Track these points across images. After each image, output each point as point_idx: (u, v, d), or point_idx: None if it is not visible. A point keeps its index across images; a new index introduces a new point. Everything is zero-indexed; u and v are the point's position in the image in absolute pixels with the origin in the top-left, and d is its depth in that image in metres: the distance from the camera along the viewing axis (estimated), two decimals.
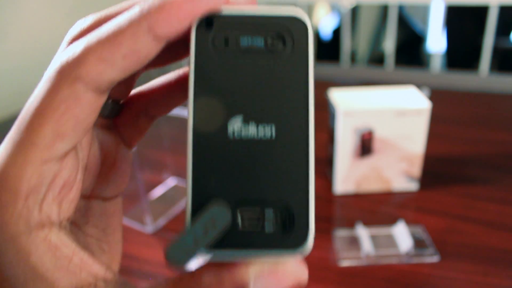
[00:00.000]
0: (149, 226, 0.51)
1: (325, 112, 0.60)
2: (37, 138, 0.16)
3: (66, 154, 0.17)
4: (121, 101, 0.22)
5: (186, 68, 0.20)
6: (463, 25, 1.67)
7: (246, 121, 0.18)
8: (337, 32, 1.99)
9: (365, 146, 0.54)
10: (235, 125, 0.18)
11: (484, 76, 0.99)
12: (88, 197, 0.21)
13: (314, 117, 0.18)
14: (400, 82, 0.94)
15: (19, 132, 0.16)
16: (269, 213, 0.17)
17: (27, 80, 0.95)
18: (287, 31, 0.19)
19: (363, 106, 0.52)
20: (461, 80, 0.97)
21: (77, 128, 0.16)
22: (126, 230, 0.52)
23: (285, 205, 0.17)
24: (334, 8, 2.18)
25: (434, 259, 0.44)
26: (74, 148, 0.17)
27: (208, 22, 0.18)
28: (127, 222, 0.53)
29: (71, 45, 0.17)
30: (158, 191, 0.59)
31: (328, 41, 2.08)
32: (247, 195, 0.17)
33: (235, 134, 0.17)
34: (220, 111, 0.18)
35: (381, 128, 0.53)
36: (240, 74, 0.18)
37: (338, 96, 0.55)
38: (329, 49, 2.03)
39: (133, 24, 0.16)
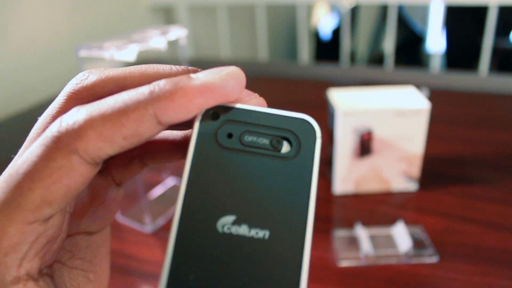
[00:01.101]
0: (148, 226, 0.51)
1: (325, 112, 0.60)
2: (24, 201, 0.16)
3: (52, 216, 0.16)
4: None
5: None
6: (463, 25, 1.67)
7: (238, 222, 0.16)
8: (336, 32, 2.00)
9: (365, 146, 0.54)
10: (226, 225, 0.16)
11: (483, 76, 0.99)
12: (73, 234, 0.21)
13: (312, 226, 0.17)
14: (399, 82, 0.95)
15: (7, 190, 0.16)
16: None
17: (27, 80, 0.95)
18: (295, 134, 0.17)
19: (363, 106, 0.52)
20: (461, 80, 0.97)
21: (67, 195, 0.16)
22: (125, 230, 0.52)
23: None
24: (334, 8, 2.18)
25: (433, 259, 0.44)
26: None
27: (214, 113, 0.17)
28: (126, 221, 0.53)
29: (73, 111, 0.16)
30: (157, 191, 0.59)
31: (327, 41, 2.08)
32: None
33: (225, 231, 0.16)
34: (211, 208, 0.16)
35: (381, 128, 0.53)
36: (240, 172, 0.17)
37: (338, 96, 0.55)
38: (328, 49, 2.03)
39: (139, 107, 0.16)
